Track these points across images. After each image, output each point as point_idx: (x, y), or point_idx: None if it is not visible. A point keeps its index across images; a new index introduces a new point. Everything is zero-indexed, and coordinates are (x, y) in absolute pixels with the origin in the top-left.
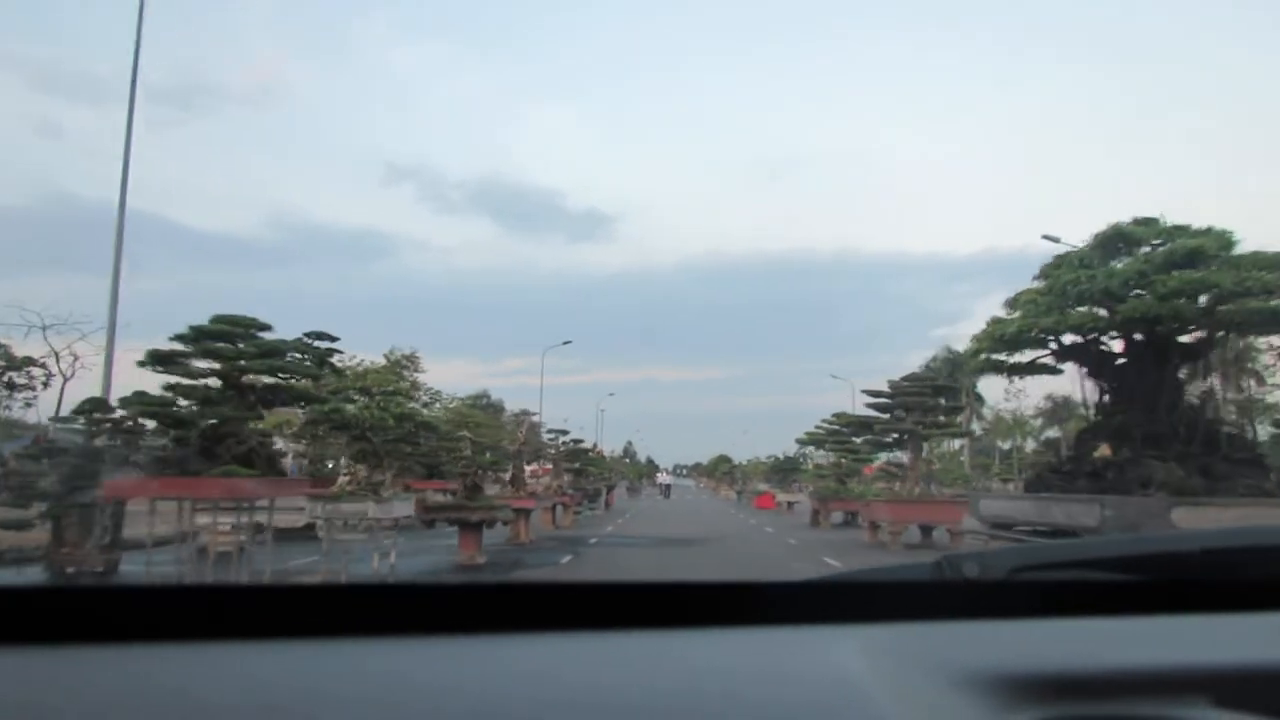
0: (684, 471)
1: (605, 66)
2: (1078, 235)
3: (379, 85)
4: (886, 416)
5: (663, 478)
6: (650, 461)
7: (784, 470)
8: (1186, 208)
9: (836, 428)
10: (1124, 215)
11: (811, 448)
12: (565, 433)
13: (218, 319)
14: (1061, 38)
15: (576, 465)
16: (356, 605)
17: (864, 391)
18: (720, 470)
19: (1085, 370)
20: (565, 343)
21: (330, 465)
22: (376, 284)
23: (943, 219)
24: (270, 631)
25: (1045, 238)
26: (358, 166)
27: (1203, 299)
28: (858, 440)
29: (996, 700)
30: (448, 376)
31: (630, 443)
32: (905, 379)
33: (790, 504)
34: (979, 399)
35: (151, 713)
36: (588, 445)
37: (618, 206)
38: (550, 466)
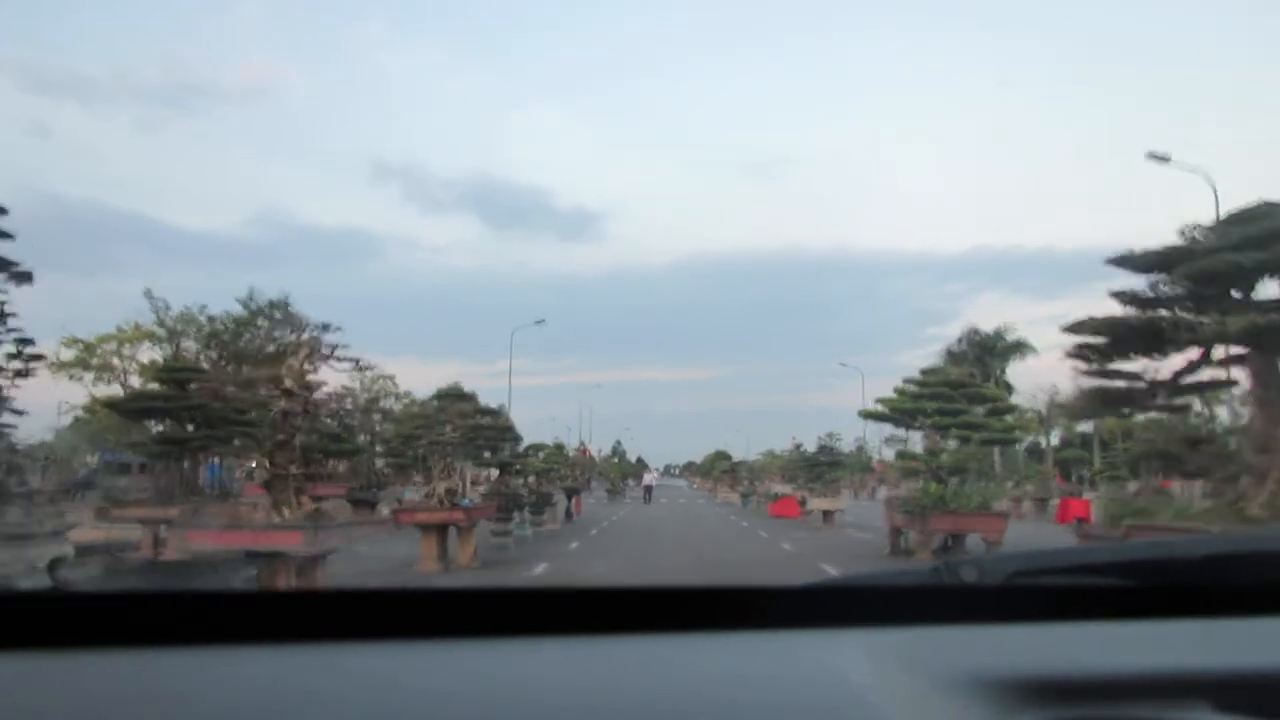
0: (676, 470)
1: (594, 65)
2: (1076, 233)
3: (368, 85)
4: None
5: (649, 477)
6: (640, 461)
7: (818, 465)
8: (1182, 206)
9: (941, 389)
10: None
11: (887, 429)
12: (468, 397)
13: None
14: (1052, 36)
15: (490, 456)
16: (350, 610)
17: (1109, 261)
18: (718, 468)
19: None
20: (538, 321)
21: None
22: (367, 284)
23: (934, 217)
24: (264, 636)
25: (1151, 156)
26: (347, 166)
27: None
28: (980, 410)
29: (997, 704)
30: (442, 378)
31: (619, 441)
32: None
33: (828, 513)
34: (1007, 388)
35: (147, 716)
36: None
37: (607, 205)
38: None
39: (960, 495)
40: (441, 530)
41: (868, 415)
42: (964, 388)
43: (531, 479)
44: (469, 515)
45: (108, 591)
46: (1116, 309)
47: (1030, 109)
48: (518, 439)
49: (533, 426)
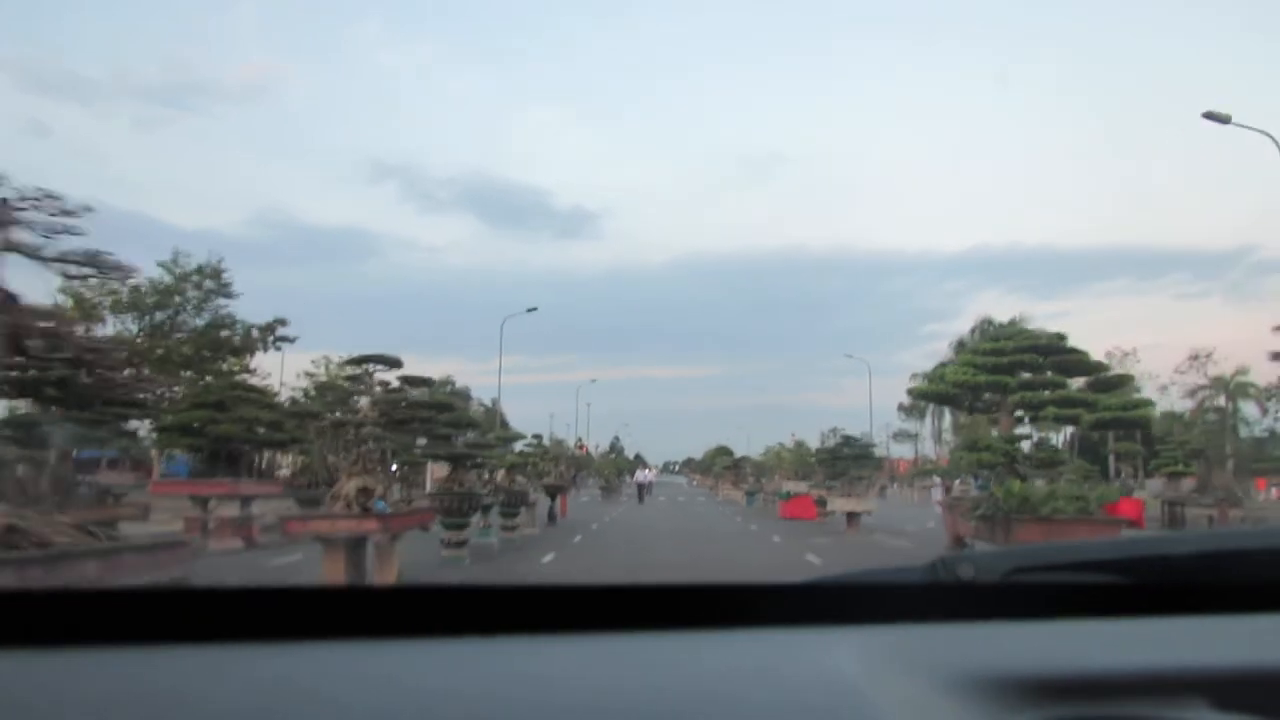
0: (675, 467)
1: (593, 65)
2: (1075, 233)
3: (367, 85)
4: None
5: (643, 474)
6: (638, 458)
7: (841, 460)
8: (1177, 205)
9: (1024, 357)
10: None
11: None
12: (394, 363)
13: None
14: (1052, 36)
15: (425, 444)
16: (351, 607)
17: None
18: (719, 464)
19: None
20: (531, 309)
21: None
22: (366, 283)
23: (934, 216)
24: (265, 633)
25: (1209, 115)
26: (345, 165)
27: None
28: (1074, 385)
29: (993, 702)
30: (439, 376)
31: (618, 437)
32: None
33: (853, 516)
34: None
35: (146, 714)
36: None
37: (606, 203)
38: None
39: (1056, 496)
40: (356, 545)
41: (920, 394)
42: (1057, 353)
43: (500, 475)
44: (385, 524)
45: (106, 588)
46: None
47: (1030, 109)
48: (475, 424)
49: (532, 422)
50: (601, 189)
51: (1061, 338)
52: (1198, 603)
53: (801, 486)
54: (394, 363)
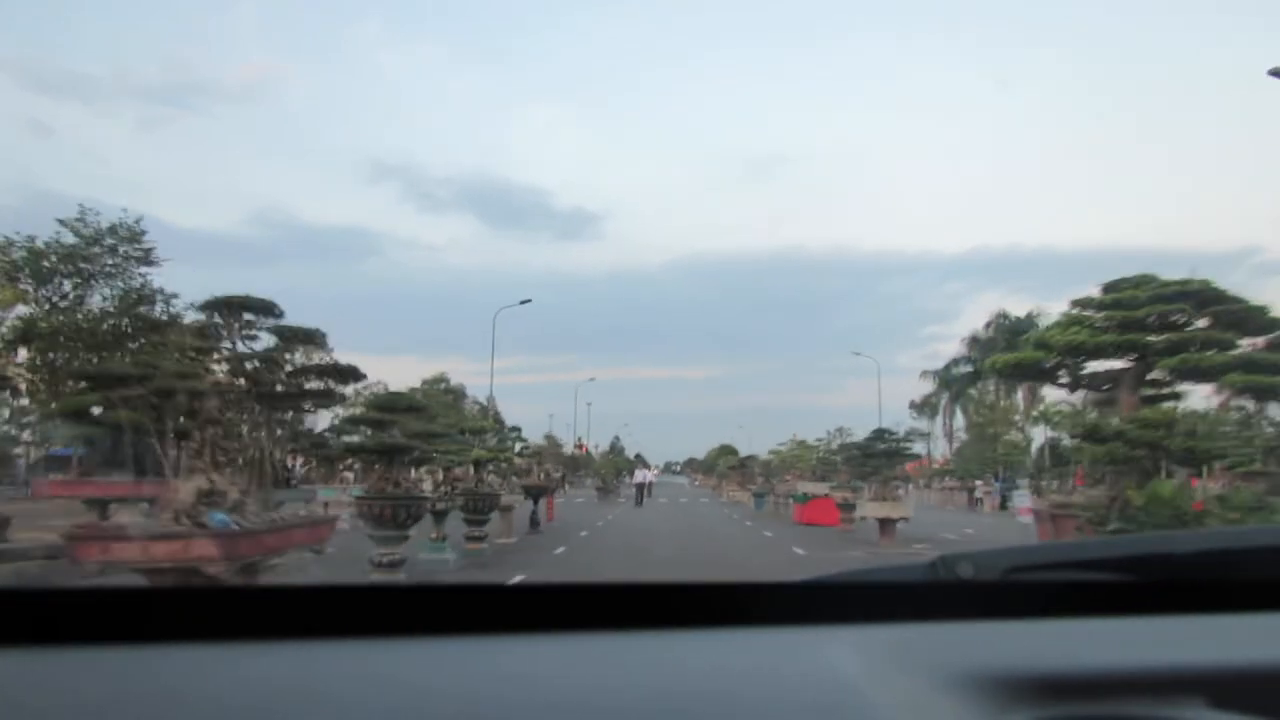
0: (676, 467)
1: (594, 65)
2: (1075, 234)
3: (367, 84)
4: None
5: (642, 474)
6: (638, 457)
7: (874, 457)
8: (1178, 206)
9: (1163, 308)
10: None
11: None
12: (266, 309)
13: None
14: (1052, 36)
15: (345, 428)
16: (349, 606)
17: None
18: (724, 464)
19: None
20: (524, 301)
21: None
22: (366, 283)
23: (934, 217)
24: (263, 632)
25: (1275, 72)
26: (345, 164)
27: None
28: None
29: (992, 701)
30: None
31: (618, 437)
32: None
33: (886, 523)
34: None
35: (146, 713)
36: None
37: (606, 204)
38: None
39: (1230, 504)
40: (196, 576)
41: (1000, 364)
42: (1214, 302)
43: (461, 471)
44: (228, 547)
45: (105, 587)
46: None
47: (1030, 109)
48: (418, 406)
49: (532, 422)
50: (602, 189)
51: (1208, 283)
52: (1197, 601)
53: (821, 488)
54: (267, 308)
